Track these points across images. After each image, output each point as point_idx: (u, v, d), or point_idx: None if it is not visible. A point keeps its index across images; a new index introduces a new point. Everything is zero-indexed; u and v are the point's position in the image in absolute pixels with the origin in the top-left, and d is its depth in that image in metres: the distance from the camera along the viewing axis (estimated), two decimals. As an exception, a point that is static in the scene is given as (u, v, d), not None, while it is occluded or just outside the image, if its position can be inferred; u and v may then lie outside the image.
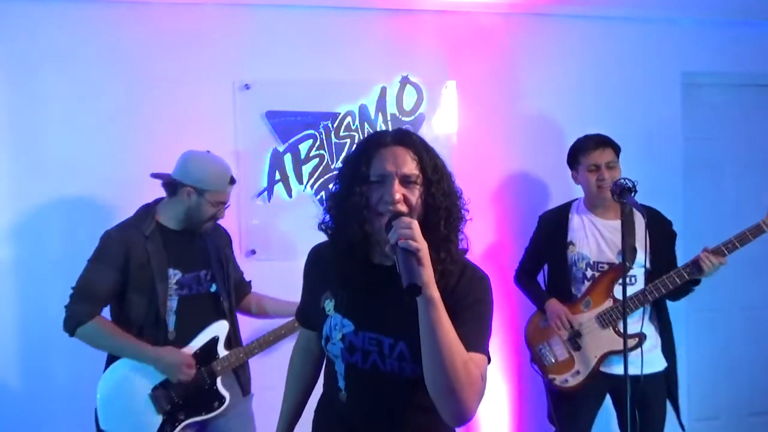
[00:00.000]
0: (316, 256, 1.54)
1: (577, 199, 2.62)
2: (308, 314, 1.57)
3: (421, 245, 1.17)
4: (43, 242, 2.64)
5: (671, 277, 2.35)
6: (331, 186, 1.45)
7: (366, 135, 1.44)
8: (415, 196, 1.31)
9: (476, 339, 1.29)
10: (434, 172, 1.33)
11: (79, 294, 2.11)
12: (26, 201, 2.64)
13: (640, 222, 2.40)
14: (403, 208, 1.29)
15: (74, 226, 2.62)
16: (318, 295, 1.47)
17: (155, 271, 2.12)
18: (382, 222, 1.28)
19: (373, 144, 1.36)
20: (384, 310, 1.36)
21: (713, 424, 3.46)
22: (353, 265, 1.37)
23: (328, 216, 1.41)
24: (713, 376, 3.43)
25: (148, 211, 2.22)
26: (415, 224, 1.20)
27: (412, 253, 1.16)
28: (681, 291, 2.41)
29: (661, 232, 2.34)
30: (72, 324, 2.10)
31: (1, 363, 2.63)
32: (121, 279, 2.11)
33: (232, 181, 2.25)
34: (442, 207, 1.32)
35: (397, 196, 1.28)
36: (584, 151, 2.47)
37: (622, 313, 2.21)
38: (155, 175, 2.25)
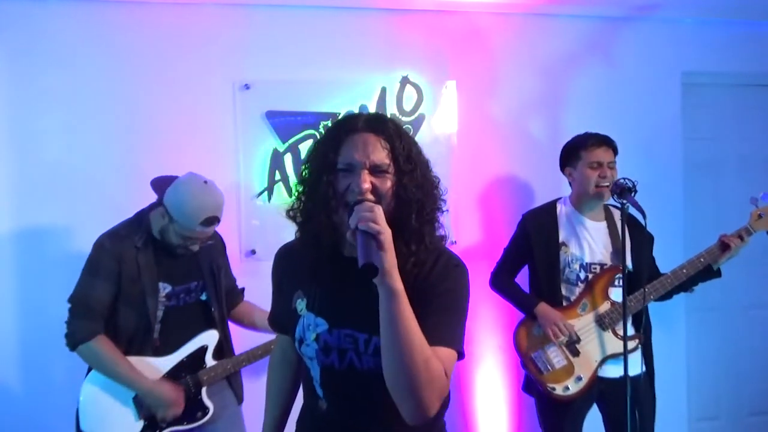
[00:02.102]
0: (284, 255, 1.47)
1: (560, 198, 2.58)
2: (280, 317, 1.48)
3: (383, 229, 1.12)
4: (43, 242, 2.64)
5: (689, 265, 2.37)
6: (302, 169, 1.35)
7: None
8: (385, 186, 1.23)
9: (444, 332, 1.22)
10: (407, 162, 1.25)
11: (78, 309, 2.09)
12: (26, 201, 2.64)
13: (620, 223, 2.41)
14: (370, 198, 1.21)
15: (74, 226, 2.62)
16: (289, 295, 1.40)
17: (146, 285, 2.09)
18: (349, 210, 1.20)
19: (344, 129, 1.28)
20: (357, 305, 1.27)
21: (713, 424, 3.46)
22: (322, 257, 1.30)
23: (297, 203, 1.33)
24: (713, 376, 3.43)
25: (141, 219, 2.16)
26: (378, 209, 1.15)
27: (371, 236, 1.10)
28: (672, 292, 2.42)
29: (641, 233, 2.30)
30: (73, 340, 2.08)
31: (1, 363, 2.63)
32: (114, 290, 2.09)
33: (209, 222, 2.06)
34: (414, 199, 1.24)
35: (365, 185, 1.21)
36: (587, 147, 2.42)
37: (623, 314, 2.22)
38: (153, 184, 2.19)
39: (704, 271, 2.40)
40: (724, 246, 2.36)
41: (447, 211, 1.34)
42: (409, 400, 1.15)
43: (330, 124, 1.33)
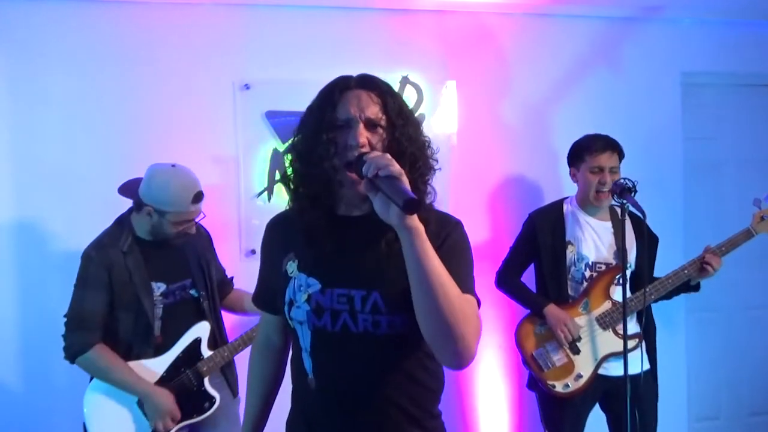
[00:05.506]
0: (276, 223, 1.45)
1: (567, 197, 2.58)
2: (267, 290, 1.43)
3: (402, 170, 1.12)
4: (43, 243, 2.64)
5: (674, 276, 2.38)
6: (294, 138, 1.34)
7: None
8: (379, 140, 1.25)
9: (464, 280, 1.23)
10: (399, 117, 1.27)
11: (74, 323, 2.10)
12: (26, 201, 2.64)
13: (627, 223, 2.41)
14: (368, 151, 1.22)
15: (74, 226, 2.61)
16: (279, 260, 1.35)
17: (139, 287, 2.11)
18: (350, 165, 1.21)
19: (338, 88, 1.28)
20: (353, 263, 1.27)
21: (713, 424, 3.46)
22: (317, 217, 1.28)
23: (292, 170, 1.33)
24: (713, 376, 3.43)
25: (122, 224, 2.18)
26: (387, 155, 1.15)
27: (395, 177, 1.10)
28: (675, 292, 2.43)
29: (644, 235, 2.30)
30: (71, 353, 2.09)
31: (1, 363, 2.63)
32: (109, 298, 2.10)
33: (198, 198, 2.13)
34: (407, 152, 1.25)
35: (362, 139, 1.22)
36: (592, 152, 2.42)
37: (623, 314, 2.22)
38: (122, 192, 2.20)
39: (684, 285, 2.42)
40: (702, 268, 2.36)
41: (439, 169, 1.34)
42: (450, 339, 1.13)
43: (322, 89, 1.32)
